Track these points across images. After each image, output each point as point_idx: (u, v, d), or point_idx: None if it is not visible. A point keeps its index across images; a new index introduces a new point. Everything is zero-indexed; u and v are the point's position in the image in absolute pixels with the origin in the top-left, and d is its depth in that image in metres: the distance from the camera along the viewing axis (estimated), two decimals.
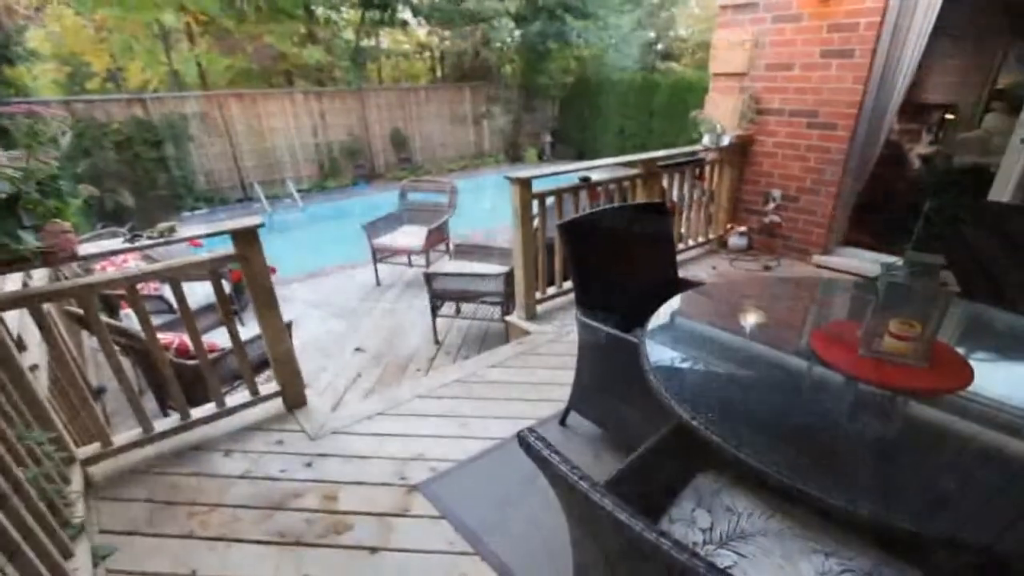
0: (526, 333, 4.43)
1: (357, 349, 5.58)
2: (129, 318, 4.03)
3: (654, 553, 0.87)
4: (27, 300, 2.44)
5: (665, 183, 5.44)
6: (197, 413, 3.12)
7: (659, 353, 1.92)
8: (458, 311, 5.85)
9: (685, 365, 1.93)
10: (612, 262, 2.83)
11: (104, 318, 2.93)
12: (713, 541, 1.52)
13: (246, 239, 2.87)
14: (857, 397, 1.75)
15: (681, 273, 3.14)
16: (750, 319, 2.34)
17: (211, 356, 3.23)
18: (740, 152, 5.95)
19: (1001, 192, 4.52)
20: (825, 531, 1.50)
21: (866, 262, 5.37)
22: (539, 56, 16.53)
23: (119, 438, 2.91)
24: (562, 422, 3.15)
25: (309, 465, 2.92)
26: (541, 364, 3.91)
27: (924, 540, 1.16)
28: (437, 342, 5.63)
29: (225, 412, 3.18)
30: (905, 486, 1.35)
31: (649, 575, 0.99)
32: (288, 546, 2.41)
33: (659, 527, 0.89)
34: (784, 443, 1.51)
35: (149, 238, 2.60)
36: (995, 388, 1.70)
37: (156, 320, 3.25)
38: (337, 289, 7.31)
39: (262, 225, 2.90)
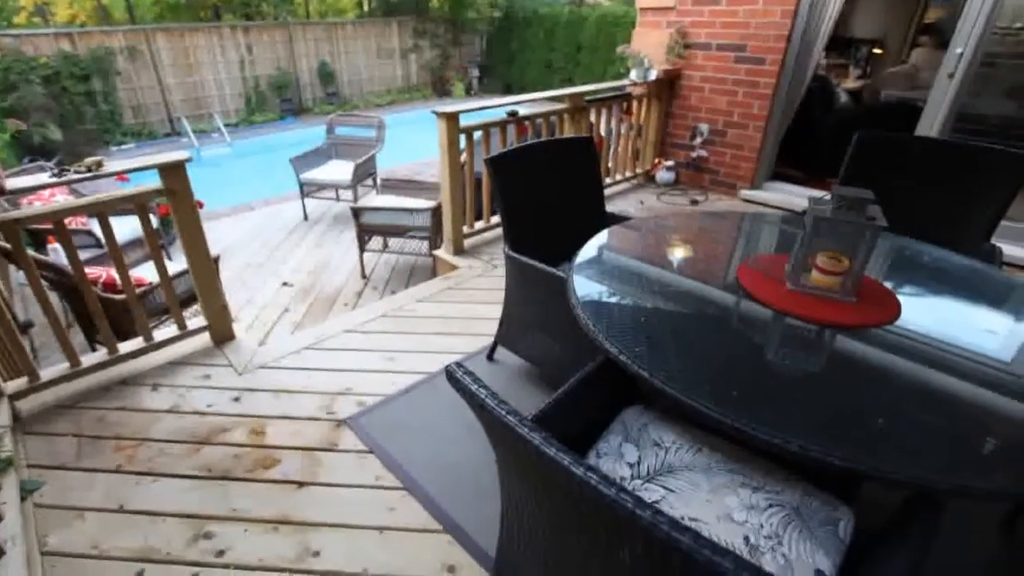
0: (454, 268, 4.43)
1: (284, 283, 5.53)
2: (56, 252, 3.99)
3: (581, 487, 0.86)
4: None
5: (593, 118, 5.44)
6: (124, 347, 3.09)
7: (586, 288, 1.89)
8: (385, 246, 5.82)
9: (612, 300, 1.92)
10: (540, 197, 2.82)
11: (31, 252, 2.90)
12: (641, 475, 1.51)
13: (173, 173, 2.87)
14: (784, 331, 1.74)
15: (609, 208, 3.14)
16: (677, 253, 2.34)
17: (138, 290, 3.23)
18: (668, 87, 5.98)
19: (929, 126, 4.60)
20: (752, 465, 1.50)
21: (794, 196, 5.52)
22: None
23: (47, 372, 2.89)
24: (490, 357, 3.17)
25: (237, 400, 2.91)
26: (469, 299, 3.93)
27: (852, 474, 1.16)
28: (364, 277, 5.63)
29: (152, 346, 3.16)
30: (832, 420, 1.36)
31: (577, 509, 0.98)
32: (215, 480, 2.41)
33: (586, 461, 0.88)
34: (711, 377, 1.50)
35: (76, 172, 2.60)
36: (922, 322, 1.72)
37: (83, 254, 3.20)
38: (264, 223, 7.20)
39: (189, 159, 2.91)
